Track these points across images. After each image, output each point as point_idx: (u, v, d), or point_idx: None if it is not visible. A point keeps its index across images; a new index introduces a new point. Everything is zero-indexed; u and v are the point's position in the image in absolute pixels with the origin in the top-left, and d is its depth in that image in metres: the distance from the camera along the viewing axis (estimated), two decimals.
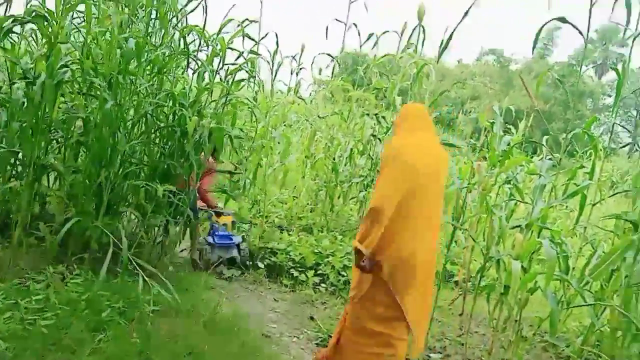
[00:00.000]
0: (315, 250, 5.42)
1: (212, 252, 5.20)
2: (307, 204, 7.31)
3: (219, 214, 5.42)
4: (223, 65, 5.71)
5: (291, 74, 9.02)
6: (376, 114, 7.09)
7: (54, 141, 4.27)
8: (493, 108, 4.82)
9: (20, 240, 3.74)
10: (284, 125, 8.76)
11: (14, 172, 4.04)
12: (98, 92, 3.84)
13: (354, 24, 7.54)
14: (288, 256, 5.30)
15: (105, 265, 3.16)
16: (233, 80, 7.06)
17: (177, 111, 4.28)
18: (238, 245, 5.64)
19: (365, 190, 6.72)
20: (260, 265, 5.12)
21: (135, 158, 4.39)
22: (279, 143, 7.96)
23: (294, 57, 8.21)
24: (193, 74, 4.72)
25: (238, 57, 5.61)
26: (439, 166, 2.89)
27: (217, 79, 6.14)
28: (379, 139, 7.13)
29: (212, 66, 4.67)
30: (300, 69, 8.78)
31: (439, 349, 4.22)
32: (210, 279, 4.77)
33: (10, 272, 3.56)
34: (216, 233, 5.35)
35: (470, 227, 4.44)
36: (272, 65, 6.76)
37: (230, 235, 5.39)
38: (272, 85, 6.78)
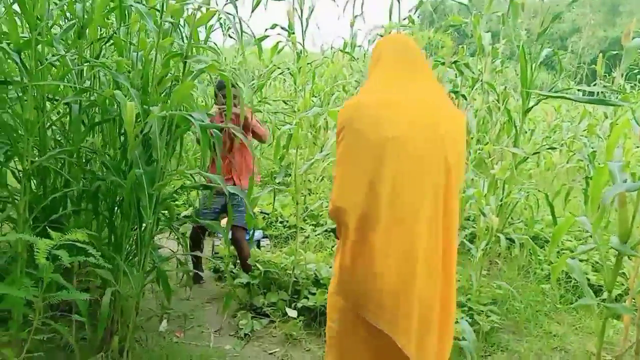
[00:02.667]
0: None
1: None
2: None
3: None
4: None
5: (350, 27, 7.17)
6: (455, 62, 5.05)
7: None
8: None
9: None
10: (338, 92, 6.96)
11: None
12: None
13: None
14: None
15: None
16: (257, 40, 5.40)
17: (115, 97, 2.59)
18: (258, 242, 4.43)
19: None
20: (292, 313, 3.36)
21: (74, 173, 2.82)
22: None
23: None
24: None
25: None
26: (437, 133, 1.67)
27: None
28: (462, 96, 5.09)
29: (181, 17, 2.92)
30: (356, 17, 6.90)
31: None
32: (219, 342, 3.16)
33: None
34: None
35: None
36: (301, 13, 4.91)
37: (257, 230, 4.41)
38: (302, 38, 4.93)
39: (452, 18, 5.31)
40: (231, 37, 6.95)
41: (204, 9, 2.77)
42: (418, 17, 6.00)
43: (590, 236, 2.80)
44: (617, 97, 4.37)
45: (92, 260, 2.04)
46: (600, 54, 4.94)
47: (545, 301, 3.72)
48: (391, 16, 5.76)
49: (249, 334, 3.26)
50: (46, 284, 2.16)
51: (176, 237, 3.06)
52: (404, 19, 5.79)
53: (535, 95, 3.95)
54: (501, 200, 4.02)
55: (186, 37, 2.84)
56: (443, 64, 5.00)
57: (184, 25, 3.08)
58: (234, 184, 3.69)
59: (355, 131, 1.66)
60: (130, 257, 2.80)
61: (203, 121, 2.57)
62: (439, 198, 1.67)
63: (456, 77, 5.32)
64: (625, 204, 2.15)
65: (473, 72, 4.96)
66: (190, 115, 2.54)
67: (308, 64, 6.20)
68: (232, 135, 3.64)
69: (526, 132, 7.94)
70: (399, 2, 5.74)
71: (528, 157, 4.04)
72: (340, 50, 6.27)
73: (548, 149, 4.87)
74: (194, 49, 2.86)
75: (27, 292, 2.11)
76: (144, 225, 2.60)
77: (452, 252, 1.76)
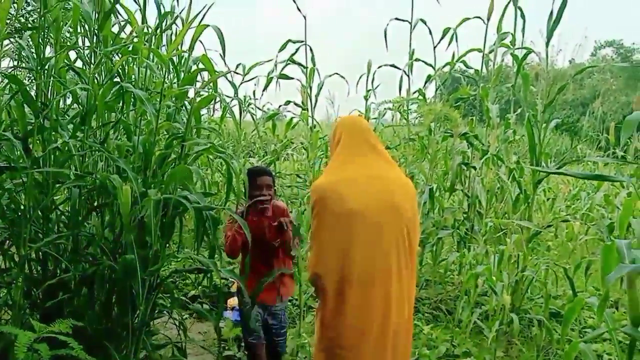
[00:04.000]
0: None
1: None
2: None
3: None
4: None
5: (365, 100, 7.30)
6: (465, 134, 5.05)
7: None
8: None
9: None
10: None
11: None
12: None
13: (421, 19, 5.62)
14: None
15: None
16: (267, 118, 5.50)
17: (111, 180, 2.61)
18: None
19: (465, 247, 4.60)
20: None
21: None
22: None
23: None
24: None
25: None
26: (392, 203, 2.03)
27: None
28: (473, 167, 5.05)
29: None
30: (369, 91, 7.02)
31: None
32: None
33: None
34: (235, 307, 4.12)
35: None
36: (310, 91, 5.04)
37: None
38: (311, 115, 5.02)
39: (461, 91, 5.37)
40: (250, 113, 7.14)
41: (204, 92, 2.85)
42: (437, 89, 6.08)
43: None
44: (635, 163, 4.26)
45: (74, 353, 1.98)
46: (613, 123, 4.89)
47: None
48: (401, 90, 5.88)
49: None
50: None
51: (175, 322, 2.98)
52: (414, 93, 5.88)
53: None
54: (516, 275, 3.86)
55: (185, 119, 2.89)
56: (452, 136, 5.02)
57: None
58: (281, 299, 3.06)
59: (325, 207, 1.98)
60: (125, 345, 2.72)
61: (199, 203, 2.58)
62: (401, 254, 2.02)
63: (468, 148, 5.31)
64: (634, 284, 2.02)
65: (483, 144, 4.94)
66: (186, 198, 2.56)
67: (320, 138, 6.28)
68: (277, 236, 2.94)
69: (547, 200, 7.78)
70: (408, 77, 5.87)
71: (541, 231, 3.91)
72: None
73: (562, 221, 4.72)
74: (194, 130, 2.91)
75: None
76: (137, 311, 2.55)
77: (412, 298, 2.13)
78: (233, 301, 4.41)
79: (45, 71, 2.74)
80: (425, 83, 5.73)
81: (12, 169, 2.70)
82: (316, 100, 5.02)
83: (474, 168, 4.92)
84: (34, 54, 2.68)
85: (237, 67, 5.19)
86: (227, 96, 2.90)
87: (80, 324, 2.32)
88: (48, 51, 2.80)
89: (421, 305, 4.68)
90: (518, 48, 4.97)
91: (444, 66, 5.51)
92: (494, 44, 5.18)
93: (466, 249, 4.26)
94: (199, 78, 3.19)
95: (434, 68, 5.72)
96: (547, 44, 4.32)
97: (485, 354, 3.32)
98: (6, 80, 2.98)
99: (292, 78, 5.16)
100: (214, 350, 3.55)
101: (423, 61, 5.74)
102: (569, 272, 3.85)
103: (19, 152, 2.81)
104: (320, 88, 5.09)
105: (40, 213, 2.80)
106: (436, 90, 6.13)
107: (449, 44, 5.46)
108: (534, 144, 4.03)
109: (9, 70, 2.79)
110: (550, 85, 4.31)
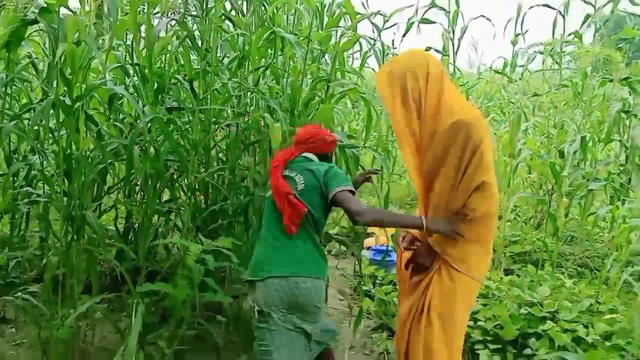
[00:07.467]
0: (524, 308, 3.34)
1: None
2: (520, 221, 5.19)
3: None
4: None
5: (513, 45, 6.90)
6: (627, 78, 4.58)
7: None
8: None
9: None
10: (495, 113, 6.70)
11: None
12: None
13: None
14: (472, 320, 3.29)
15: None
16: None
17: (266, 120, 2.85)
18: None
19: (618, 200, 4.27)
20: None
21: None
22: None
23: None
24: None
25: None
26: None
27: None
28: (634, 115, 4.59)
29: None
30: (517, 35, 6.62)
31: None
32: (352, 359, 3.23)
33: None
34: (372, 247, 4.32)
35: None
36: (452, 35, 4.88)
37: (391, 249, 3.93)
38: (453, 61, 4.88)
39: (625, 31, 4.85)
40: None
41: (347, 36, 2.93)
42: (588, 26, 5.53)
43: None
44: None
45: (232, 265, 2.26)
46: None
47: None
48: (554, 33, 5.44)
49: (384, 352, 3.27)
50: (199, 286, 2.45)
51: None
52: (569, 35, 5.41)
53: None
54: None
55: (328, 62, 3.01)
56: (611, 81, 4.59)
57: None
58: None
59: (488, 144, 1.93)
60: None
61: (342, 142, 2.72)
62: None
63: (630, 94, 4.82)
64: None
65: None
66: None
67: (461, 85, 6.09)
68: None
69: None
70: (564, 18, 5.40)
71: None
72: (495, 71, 6.05)
73: None
74: (337, 73, 3.02)
75: (183, 292, 2.40)
76: None
77: None
78: (369, 241, 4.61)
79: (208, 19, 3.01)
80: (583, 24, 5.23)
81: (181, 109, 3.05)
82: (459, 45, 4.86)
83: (635, 116, 4.48)
84: (198, 2, 2.95)
85: (375, 15, 5.18)
86: (371, 38, 2.94)
87: (239, 242, 2.61)
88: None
89: (564, 260, 4.48)
90: None
91: (606, 4, 4.98)
92: None
93: (620, 202, 3.95)
94: (341, 23, 3.29)
95: (594, 7, 5.19)
96: None
97: (635, 312, 3.12)
98: (172, 30, 3.34)
99: (434, 22, 5.02)
100: (353, 282, 3.75)
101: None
102: None
103: (185, 94, 3.17)
104: (464, 32, 4.91)
105: (202, 150, 3.15)
106: (595, 32, 5.56)
107: None
108: None
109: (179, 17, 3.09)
110: None
